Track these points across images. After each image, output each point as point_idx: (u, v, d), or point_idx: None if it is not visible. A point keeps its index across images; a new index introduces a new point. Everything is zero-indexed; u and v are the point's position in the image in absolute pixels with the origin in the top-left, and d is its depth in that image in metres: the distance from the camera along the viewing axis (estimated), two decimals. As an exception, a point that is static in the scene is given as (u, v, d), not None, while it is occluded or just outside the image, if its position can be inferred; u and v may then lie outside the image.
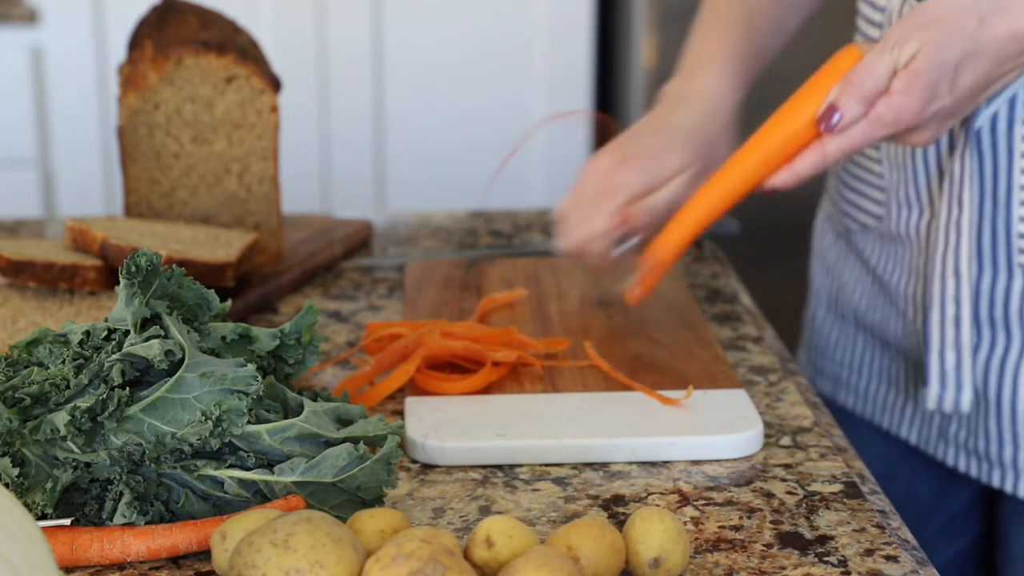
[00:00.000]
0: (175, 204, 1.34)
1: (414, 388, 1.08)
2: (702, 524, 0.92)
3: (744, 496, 0.95)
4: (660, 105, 1.25)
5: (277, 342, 0.94)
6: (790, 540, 0.90)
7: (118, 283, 0.96)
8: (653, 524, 0.84)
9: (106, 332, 0.92)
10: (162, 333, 0.90)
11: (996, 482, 1.22)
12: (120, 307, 0.92)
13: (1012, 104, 1.13)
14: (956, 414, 1.24)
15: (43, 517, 0.87)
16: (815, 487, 0.97)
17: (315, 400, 0.95)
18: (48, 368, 0.92)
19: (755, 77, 1.32)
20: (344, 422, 0.93)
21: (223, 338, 0.93)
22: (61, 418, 0.87)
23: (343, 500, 0.89)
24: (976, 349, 1.19)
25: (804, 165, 1.08)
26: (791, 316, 1.68)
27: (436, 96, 2.63)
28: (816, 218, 1.44)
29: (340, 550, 0.77)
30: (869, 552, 0.88)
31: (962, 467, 1.25)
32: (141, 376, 0.90)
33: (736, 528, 0.91)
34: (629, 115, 2.60)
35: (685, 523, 0.92)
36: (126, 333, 0.91)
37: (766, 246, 2.32)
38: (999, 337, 1.18)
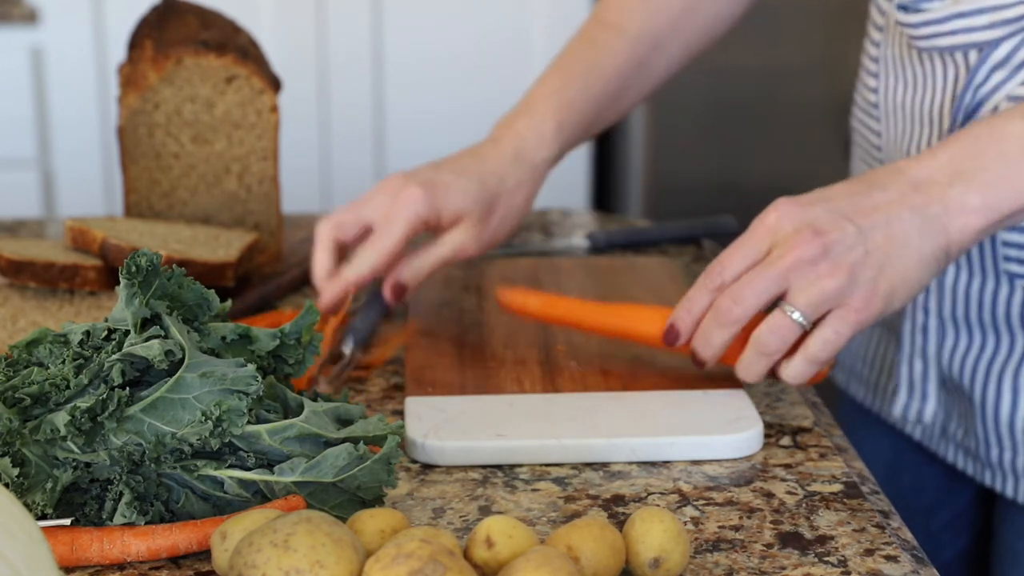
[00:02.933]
0: (175, 204, 1.34)
1: (414, 388, 1.08)
2: (702, 524, 0.92)
3: (744, 496, 0.95)
4: (483, 142, 1.27)
5: (277, 342, 0.94)
6: (790, 540, 0.90)
7: (118, 283, 0.96)
8: (653, 524, 0.84)
9: (106, 332, 0.92)
10: (162, 333, 0.90)
11: (988, 481, 1.23)
12: (120, 307, 0.92)
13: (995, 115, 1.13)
14: (920, 424, 1.25)
15: (43, 517, 0.87)
16: (815, 487, 0.97)
17: (315, 400, 0.95)
18: (48, 368, 0.92)
19: (585, 131, 1.30)
20: (344, 422, 0.93)
21: (223, 338, 0.93)
22: (61, 418, 0.87)
23: (343, 500, 0.89)
24: (966, 351, 1.20)
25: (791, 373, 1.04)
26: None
27: (437, 96, 2.63)
28: None
29: (340, 550, 0.77)
30: (869, 552, 0.88)
31: (960, 465, 1.25)
32: (141, 376, 0.90)
33: (736, 528, 0.91)
34: (629, 115, 2.60)
35: (685, 523, 0.92)
36: (126, 333, 0.91)
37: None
38: (988, 340, 1.19)
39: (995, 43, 1.12)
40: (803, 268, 0.99)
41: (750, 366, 1.02)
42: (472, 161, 1.22)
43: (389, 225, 1.16)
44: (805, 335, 1.02)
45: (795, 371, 1.02)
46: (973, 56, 1.14)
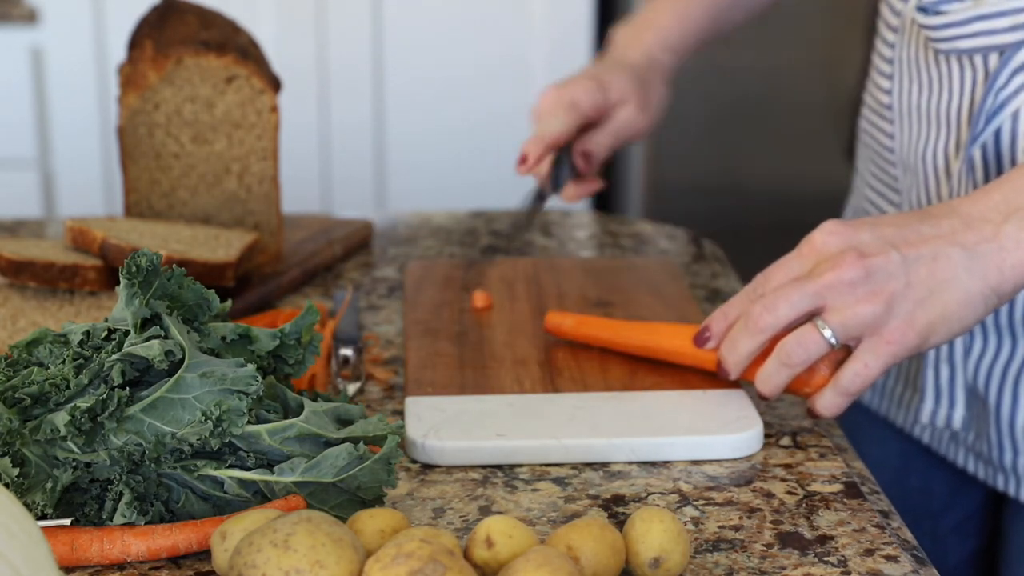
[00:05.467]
0: (175, 204, 1.34)
1: (414, 388, 1.08)
2: (702, 524, 0.92)
3: (744, 496, 0.95)
4: (608, 49, 1.44)
5: (277, 342, 0.94)
6: (790, 540, 0.90)
7: (118, 283, 0.96)
8: (653, 524, 0.84)
9: (106, 332, 0.92)
10: (162, 333, 0.90)
11: (1000, 485, 1.22)
12: (120, 307, 0.92)
13: (1016, 118, 1.12)
14: (949, 430, 1.24)
15: (43, 517, 0.87)
16: (815, 487, 0.97)
17: (315, 400, 0.95)
18: (48, 368, 0.92)
19: (701, 45, 1.47)
20: (344, 422, 0.93)
21: (223, 338, 0.93)
22: (61, 418, 0.87)
23: (343, 500, 0.89)
24: (981, 355, 1.19)
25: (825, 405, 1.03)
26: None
27: (436, 96, 2.63)
28: (844, 213, 1.44)
29: (340, 550, 0.77)
30: (869, 552, 0.88)
31: (971, 469, 1.25)
32: (141, 376, 0.90)
33: (736, 528, 0.91)
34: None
35: (685, 523, 0.92)
36: (126, 333, 0.91)
37: (767, 245, 2.32)
38: (1004, 343, 1.18)
39: (1017, 46, 1.11)
40: (841, 288, 0.98)
41: (770, 376, 1.01)
42: (615, 63, 1.40)
43: (569, 103, 1.34)
44: (834, 364, 1.02)
45: (826, 403, 1.01)
46: (993, 59, 1.13)
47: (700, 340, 1.06)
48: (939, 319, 0.99)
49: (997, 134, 1.13)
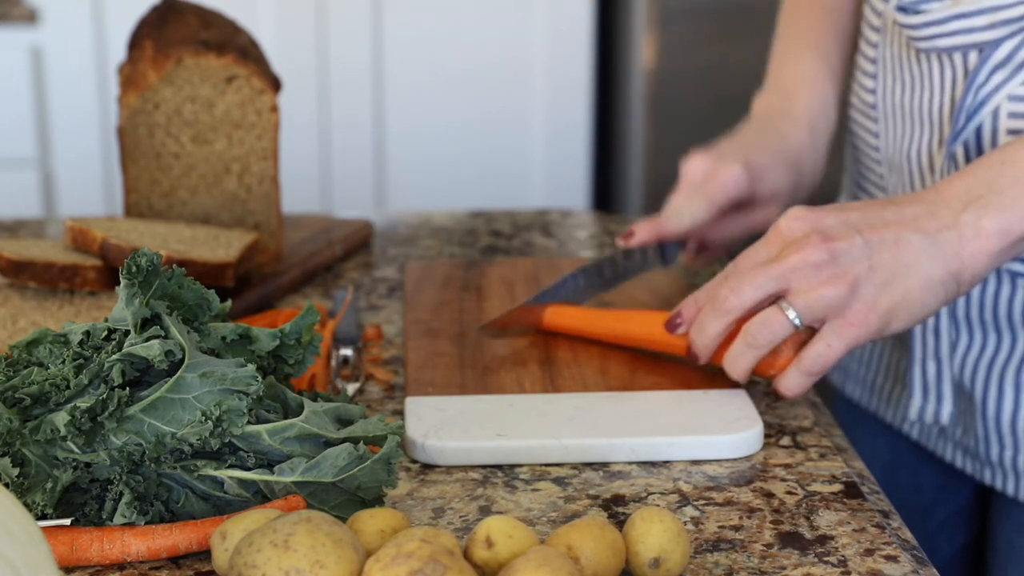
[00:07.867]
0: (175, 204, 1.34)
1: (414, 388, 1.08)
2: (702, 524, 0.92)
3: (744, 496, 0.95)
4: (760, 120, 1.30)
5: (277, 342, 0.94)
6: (790, 540, 0.90)
7: (118, 283, 0.96)
8: (653, 524, 0.84)
9: (106, 332, 0.92)
10: (162, 333, 0.90)
11: (988, 480, 1.23)
12: (120, 307, 0.92)
13: (995, 115, 1.13)
14: (937, 426, 1.25)
15: (43, 517, 0.87)
16: (815, 487, 0.97)
17: (315, 400, 0.95)
18: (48, 368, 0.92)
19: (845, 73, 1.34)
20: (344, 422, 0.93)
21: (223, 338, 0.93)
22: (61, 418, 0.87)
23: (343, 500, 0.89)
24: (967, 351, 1.20)
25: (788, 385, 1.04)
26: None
27: (436, 96, 2.63)
28: None
29: (340, 550, 0.77)
30: (869, 552, 0.89)
31: (959, 464, 1.26)
32: (141, 376, 0.90)
33: (736, 528, 0.91)
34: (629, 115, 2.60)
35: (685, 523, 0.92)
36: (126, 333, 0.91)
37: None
38: (990, 339, 1.19)
39: (995, 43, 1.12)
40: (805, 271, 1.00)
41: (737, 357, 1.03)
42: (777, 142, 1.27)
43: (711, 195, 1.21)
44: (798, 346, 1.03)
45: (790, 383, 1.03)
46: (973, 56, 1.14)
47: (672, 326, 1.08)
48: (901, 303, 1.01)
49: (978, 131, 1.14)
